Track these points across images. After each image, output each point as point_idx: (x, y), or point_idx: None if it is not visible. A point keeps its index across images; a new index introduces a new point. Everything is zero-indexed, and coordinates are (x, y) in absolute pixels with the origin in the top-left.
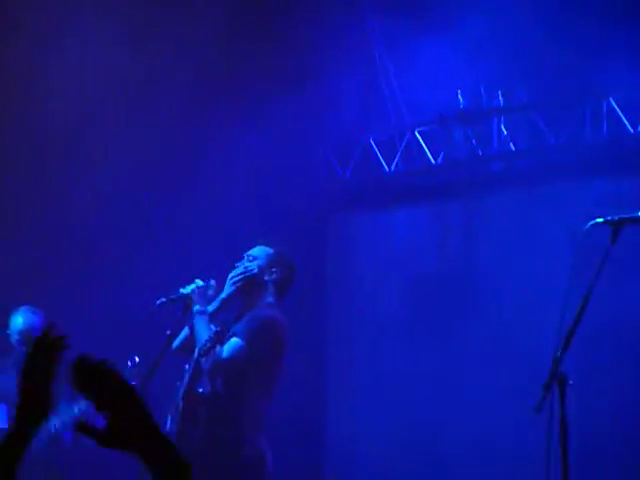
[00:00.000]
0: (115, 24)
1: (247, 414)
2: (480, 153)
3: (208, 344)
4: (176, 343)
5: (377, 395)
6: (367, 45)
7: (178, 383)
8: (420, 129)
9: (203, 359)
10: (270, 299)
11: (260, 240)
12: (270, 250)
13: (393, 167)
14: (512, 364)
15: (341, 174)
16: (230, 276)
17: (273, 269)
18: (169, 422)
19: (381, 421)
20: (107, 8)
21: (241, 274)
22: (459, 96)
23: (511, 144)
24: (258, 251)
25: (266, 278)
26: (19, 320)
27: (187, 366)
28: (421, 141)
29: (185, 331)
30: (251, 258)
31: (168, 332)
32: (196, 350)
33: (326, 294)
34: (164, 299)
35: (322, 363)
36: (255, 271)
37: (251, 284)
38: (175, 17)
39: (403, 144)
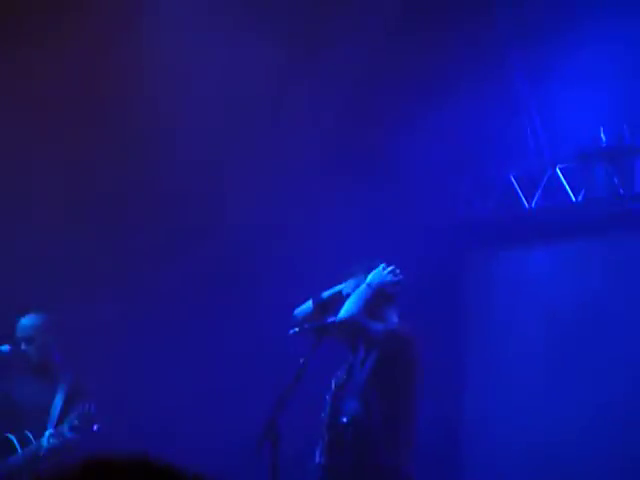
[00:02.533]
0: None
1: (392, 439)
2: (621, 192)
3: (344, 377)
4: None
5: (511, 429)
6: (508, 80)
7: (322, 414)
8: (561, 166)
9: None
10: (394, 319)
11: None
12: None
13: (533, 204)
14: None
15: (481, 210)
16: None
17: (376, 293)
18: (318, 454)
19: (516, 460)
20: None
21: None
22: (601, 133)
23: None
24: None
25: (373, 305)
26: (24, 321)
27: (327, 397)
28: (562, 178)
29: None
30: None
31: (301, 360)
32: (332, 382)
33: (462, 329)
34: (297, 329)
35: (458, 400)
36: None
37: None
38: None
39: (544, 181)
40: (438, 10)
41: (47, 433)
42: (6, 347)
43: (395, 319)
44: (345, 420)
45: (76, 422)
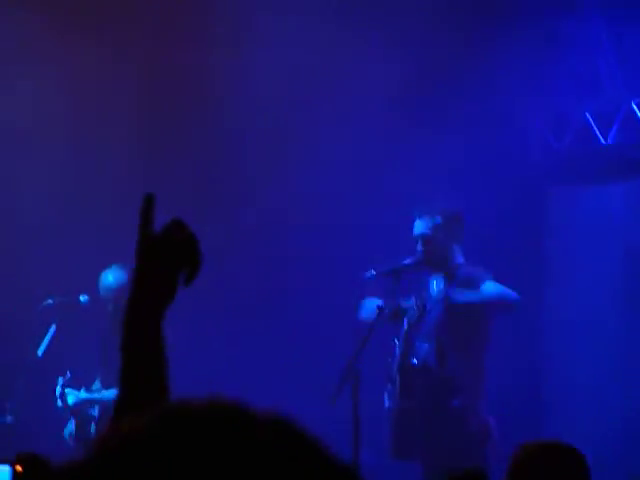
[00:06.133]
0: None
1: (467, 380)
2: None
3: (417, 313)
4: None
5: (591, 367)
6: (582, 14)
7: (390, 359)
8: (637, 100)
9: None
10: (460, 259)
11: (415, 212)
12: (432, 219)
13: (609, 139)
14: None
15: (557, 147)
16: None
17: (447, 233)
18: (386, 399)
19: (596, 392)
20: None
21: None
22: None
23: None
24: (420, 227)
25: (443, 244)
26: (109, 278)
27: (396, 340)
28: (638, 113)
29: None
30: (424, 238)
31: (380, 304)
32: (405, 322)
33: (541, 267)
34: (374, 272)
35: (538, 336)
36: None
37: (435, 257)
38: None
39: (620, 116)
40: None
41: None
42: (86, 297)
43: (460, 259)
44: (415, 362)
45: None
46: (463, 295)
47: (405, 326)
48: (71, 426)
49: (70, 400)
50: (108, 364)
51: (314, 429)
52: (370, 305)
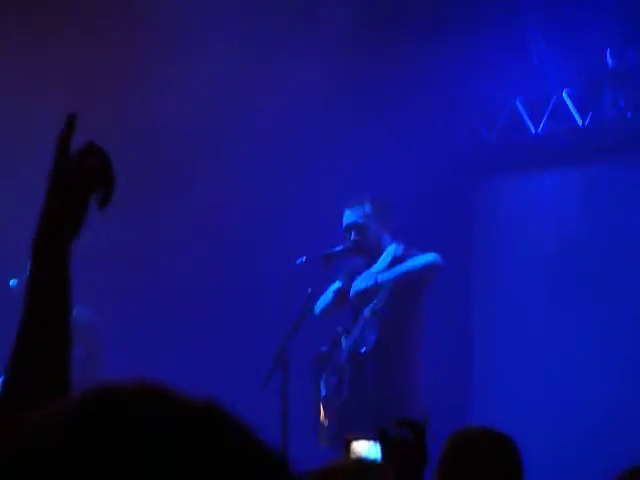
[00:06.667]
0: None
1: (412, 369)
2: (629, 115)
3: (382, 302)
4: (319, 309)
5: (519, 357)
6: (513, 6)
7: (323, 348)
8: (567, 90)
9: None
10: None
11: (345, 204)
12: (363, 208)
13: (540, 129)
14: None
15: (487, 137)
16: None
17: (378, 221)
18: (324, 389)
19: (525, 383)
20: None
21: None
22: (607, 56)
23: None
24: (352, 216)
25: (375, 232)
26: None
27: (339, 328)
28: (569, 102)
29: (326, 297)
30: (356, 226)
31: (309, 290)
32: (367, 311)
33: (472, 258)
34: (304, 258)
35: (466, 326)
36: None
37: (366, 245)
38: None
39: (550, 105)
40: None
41: None
42: (15, 282)
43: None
44: (364, 350)
45: None
46: (390, 273)
47: (367, 314)
48: None
49: None
50: None
51: (243, 416)
52: (324, 298)
